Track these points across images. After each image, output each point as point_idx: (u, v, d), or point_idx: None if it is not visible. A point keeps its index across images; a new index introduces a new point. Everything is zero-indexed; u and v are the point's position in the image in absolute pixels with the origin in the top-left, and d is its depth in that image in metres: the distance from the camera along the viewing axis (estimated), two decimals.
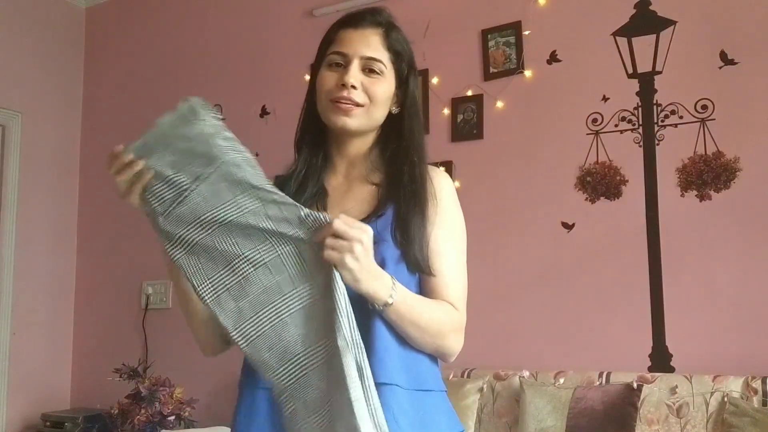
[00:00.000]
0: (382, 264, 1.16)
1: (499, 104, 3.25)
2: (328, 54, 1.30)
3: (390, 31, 1.31)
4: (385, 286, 1.11)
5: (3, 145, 4.27)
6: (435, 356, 1.24)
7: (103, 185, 4.51)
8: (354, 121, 1.27)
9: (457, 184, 3.25)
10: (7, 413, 4.12)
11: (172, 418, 3.30)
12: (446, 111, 3.36)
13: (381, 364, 1.13)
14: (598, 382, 2.70)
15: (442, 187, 1.29)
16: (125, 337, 4.18)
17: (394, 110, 1.33)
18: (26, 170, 4.33)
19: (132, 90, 4.47)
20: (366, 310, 1.14)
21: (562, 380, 2.77)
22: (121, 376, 3.52)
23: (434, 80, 3.40)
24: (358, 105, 1.26)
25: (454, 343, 1.23)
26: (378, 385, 1.10)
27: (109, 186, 4.07)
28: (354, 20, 1.31)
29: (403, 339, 1.18)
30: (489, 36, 3.30)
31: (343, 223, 1.05)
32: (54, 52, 4.56)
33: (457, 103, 3.34)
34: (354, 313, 1.08)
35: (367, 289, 1.09)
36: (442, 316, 1.21)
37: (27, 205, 4.31)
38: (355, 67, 1.26)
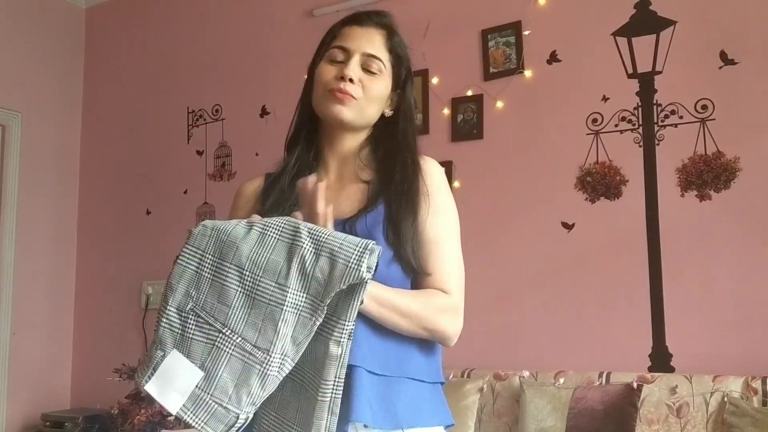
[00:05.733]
0: None
1: (499, 104, 3.25)
2: (330, 48, 1.30)
3: (392, 34, 1.32)
4: None
5: (3, 145, 4.27)
6: (432, 341, 1.24)
7: (103, 185, 4.52)
8: (348, 111, 1.27)
9: (456, 184, 3.25)
10: (7, 413, 4.12)
11: (171, 418, 3.30)
12: (446, 111, 3.36)
13: (358, 349, 1.13)
14: (598, 382, 2.70)
15: (432, 175, 1.29)
16: (125, 337, 4.18)
17: (388, 113, 1.34)
18: (26, 170, 4.33)
19: (132, 90, 4.47)
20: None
21: (562, 380, 2.78)
22: (121, 376, 3.52)
23: (434, 80, 3.40)
24: (353, 98, 1.26)
25: (447, 325, 1.22)
26: (351, 367, 1.11)
27: (109, 186, 4.06)
28: (359, 18, 1.32)
29: (386, 328, 1.18)
30: (489, 36, 3.30)
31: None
32: (54, 52, 4.56)
33: (457, 103, 3.34)
34: None
35: None
36: (425, 299, 1.21)
37: (27, 205, 4.31)
38: (355, 62, 1.27)
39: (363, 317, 1.14)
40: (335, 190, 1.31)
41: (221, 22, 4.18)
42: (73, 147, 4.63)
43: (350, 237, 1.04)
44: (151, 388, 1.05)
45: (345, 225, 1.21)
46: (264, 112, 3.94)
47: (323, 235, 1.04)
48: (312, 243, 1.04)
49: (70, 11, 4.68)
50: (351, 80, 1.25)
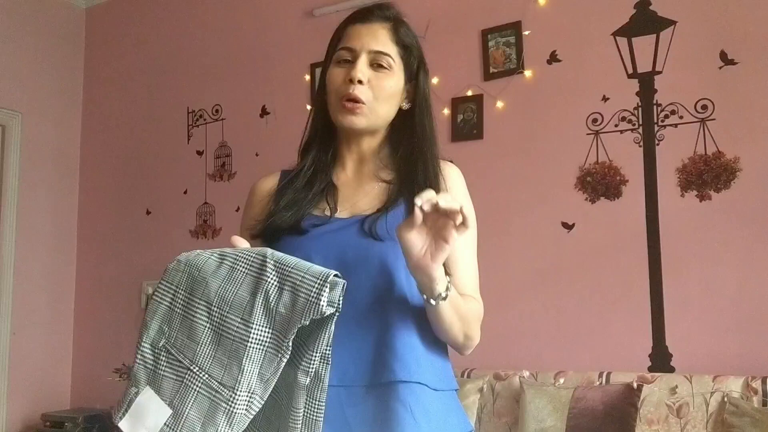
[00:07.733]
0: (386, 263, 1.15)
1: (499, 104, 3.25)
2: (337, 50, 1.29)
3: (398, 25, 1.29)
4: (443, 277, 1.10)
5: (3, 145, 4.27)
6: (456, 349, 1.24)
7: (103, 185, 4.52)
8: (361, 119, 1.25)
9: None
10: (7, 413, 4.12)
11: None
12: (446, 111, 3.36)
13: (401, 363, 1.12)
14: (598, 382, 2.70)
15: (453, 180, 1.29)
16: (125, 337, 4.18)
17: (405, 106, 1.32)
18: (26, 170, 4.33)
19: (132, 90, 4.47)
20: (385, 308, 1.14)
21: (562, 380, 2.78)
22: (121, 376, 3.52)
23: (434, 80, 3.39)
24: (363, 103, 1.24)
25: (479, 334, 1.24)
26: (399, 383, 1.10)
27: (109, 186, 4.07)
28: (362, 15, 1.30)
29: (422, 339, 1.17)
30: (489, 36, 3.30)
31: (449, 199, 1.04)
32: (54, 52, 4.56)
33: (457, 103, 3.34)
34: (373, 311, 1.12)
35: (440, 275, 1.08)
36: (474, 308, 1.23)
37: (27, 204, 4.31)
38: (362, 61, 1.25)
39: (404, 329, 1.14)
40: (353, 187, 1.30)
41: (221, 22, 4.18)
42: (73, 146, 4.63)
43: (314, 268, 0.98)
44: (124, 425, 1.04)
45: (364, 222, 1.20)
46: (264, 112, 3.93)
47: (287, 267, 0.99)
48: (277, 276, 1.00)
49: (70, 11, 4.68)
50: (360, 81, 1.23)
